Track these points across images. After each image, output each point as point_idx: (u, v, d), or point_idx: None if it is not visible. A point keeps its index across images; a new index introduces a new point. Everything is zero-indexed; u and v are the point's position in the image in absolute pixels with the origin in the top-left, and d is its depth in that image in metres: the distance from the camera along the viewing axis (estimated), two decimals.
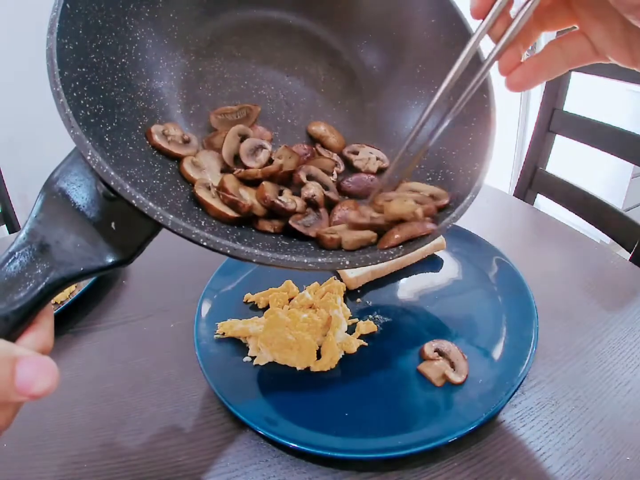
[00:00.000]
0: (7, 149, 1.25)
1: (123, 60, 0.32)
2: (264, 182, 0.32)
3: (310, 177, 0.35)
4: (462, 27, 0.36)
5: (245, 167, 0.33)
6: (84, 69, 0.28)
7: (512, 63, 0.30)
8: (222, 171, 0.34)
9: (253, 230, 0.32)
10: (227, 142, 0.34)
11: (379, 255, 0.28)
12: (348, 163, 0.39)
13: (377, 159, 0.39)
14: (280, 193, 0.33)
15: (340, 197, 0.37)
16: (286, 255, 0.26)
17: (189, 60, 0.37)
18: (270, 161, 0.35)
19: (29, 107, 1.25)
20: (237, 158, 0.34)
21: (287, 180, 0.35)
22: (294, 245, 0.31)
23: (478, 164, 0.34)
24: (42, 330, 0.25)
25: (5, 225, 1.02)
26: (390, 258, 0.29)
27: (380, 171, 0.39)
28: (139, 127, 0.32)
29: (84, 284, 0.60)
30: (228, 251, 0.25)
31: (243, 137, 0.35)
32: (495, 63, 0.30)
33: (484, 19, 0.28)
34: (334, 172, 0.38)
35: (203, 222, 0.28)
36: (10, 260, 0.25)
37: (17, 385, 0.20)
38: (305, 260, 0.26)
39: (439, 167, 0.37)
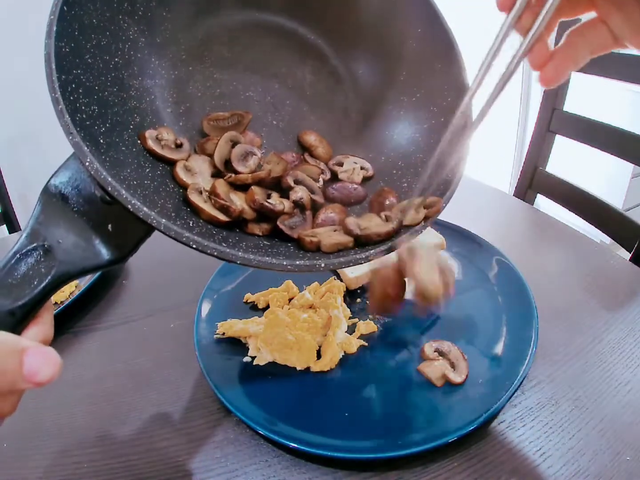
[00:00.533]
0: (7, 149, 1.25)
1: (116, 59, 0.32)
2: (253, 187, 0.33)
3: (297, 182, 0.36)
4: (447, 39, 0.37)
5: (236, 172, 0.34)
6: (79, 71, 0.28)
7: (543, 56, 0.29)
8: (213, 175, 0.35)
9: (237, 230, 0.33)
10: (219, 148, 0.35)
11: (352, 259, 0.31)
12: (334, 174, 0.40)
13: (362, 168, 0.40)
14: (269, 197, 0.34)
15: (325, 202, 0.38)
16: (267, 258, 0.28)
17: (180, 59, 0.37)
18: (259, 167, 0.36)
19: (29, 107, 1.25)
20: (227, 163, 0.35)
21: (275, 185, 0.36)
22: (274, 246, 0.32)
23: (451, 174, 0.35)
24: (43, 324, 0.27)
25: (5, 225, 1.02)
26: (362, 262, 0.31)
27: (365, 180, 0.40)
28: (131, 126, 0.32)
29: (84, 284, 0.60)
30: (215, 253, 0.27)
31: (234, 143, 0.36)
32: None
33: (509, 11, 0.27)
34: (320, 179, 0.39)
35: (192, 223, 0.29)
36: (14, 260, 0.26)
37: (24, 373, 0.22)
38: (285, 263, 0.29)
39: (415, 175, 0.38)
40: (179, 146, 0.34)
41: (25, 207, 1.18)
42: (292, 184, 0.35)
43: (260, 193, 0.33)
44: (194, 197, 0.31)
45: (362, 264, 0.31)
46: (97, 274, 0.61)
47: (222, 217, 0.31)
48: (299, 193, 0.35)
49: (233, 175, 0.34)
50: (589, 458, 0.37)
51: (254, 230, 0.32)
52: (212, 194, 0.32)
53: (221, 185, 0.32)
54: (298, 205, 0.34)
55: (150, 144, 0.32)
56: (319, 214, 0.35)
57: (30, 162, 1.30)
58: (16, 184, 1.07)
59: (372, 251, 0.32)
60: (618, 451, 0.37)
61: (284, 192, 0.36)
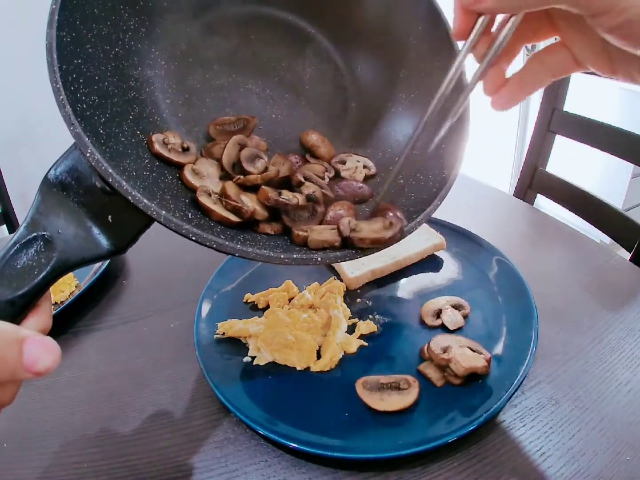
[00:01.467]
0: (7, 149, 1.25)
1: (117, 49, 0.32)
2: (263, 186, 0.33)
3: (306, 179, 0.36)
4: (447, 36, 0.37)
5: (244, 174, 0.35)
6: (79, 60, 0.28)
7: (498, 82, 0.30)
8: (221, 178, 0.35)
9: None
10: (227, 150, 0.35)
11: (348, 254, 0.31)
12: (336, 172, 0.40)
13: (364, 167, 0.40)
14: (279, 195, 0.34)
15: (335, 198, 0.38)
16: (265, 251, 0.28)
17: (180, 50, 0.37)
18: (266, 169, 0.36)
19: (29, 107, 1.25)
20: (234, 166, 0.36)
21: (282, 185, 0.36)
22: (272, 239, 0.32)
23: (447, 172, 0.35)
24: (42, 313, 0.27)
25: (5, 225, 1.02)
26: (358, 256, 0.31)
27: (367, 178, 0.40)
28: (130, 117, 0.33)
29: (84, 284, 0.60)
30: (214, 246, 0.27)
31: (242, 147, 0.36)
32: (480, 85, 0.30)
33: (466, 40, 0.28)
34: (325, 177, 0.39)
35: (190, 215, 0.30)
36: (14, 250, 0.27)
37: (24, 363, 0.22)
38: (282, 256, 0.29)
39: (411, 171, 0.39)
40: (185, 150, 0.34)
41: (25, 207, 1.17)
42: (302, 180, 0.36)
43: (272, 191, 0.33)
44: (204, 199, 0.31)
45: (357, 258, 0.32)
46: (97, 274, 0.61)
47: (233, 218, 0.31)
48: (311, 188, 0.35)
49: (242, 176, 0.34)
50: (589, 458, 0.37)
51: (265, 230, 0.33)
52: (223, 195, 0.32)
53: (231, 187, 0.33)
54: (311, 199, 0.35)
55: (157, 147, 0.32)
56: (328, 210, 0.36)
57: (30, 162, 1.30)
58: (16, 184, 1.07)
59: (368, 247, 0.32)
60: (618, 451, 0.37)
61: (293, 191, 0.36)
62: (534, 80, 0.30)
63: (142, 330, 0.55)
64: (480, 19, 0.27)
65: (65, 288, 0.60)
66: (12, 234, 0.27)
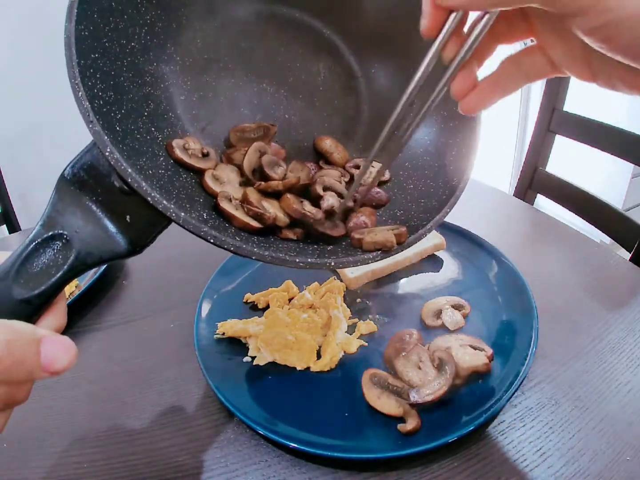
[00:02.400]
0: (7, 149, 1.25)
1: (133, 44, 0.32)
2: (287, 195, 0.34)
3: (325, 189, 0.37)
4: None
5: (265, 180, 0.35)
6: (96, 55, 0.28)
7: (467, 85, 0.28)
8: (241, 184, 0.35)
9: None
10: (248, 156, 0.35)
11: (360, 259, 0.31)
12: (351, 177, 0.40)
13: (378, 172, 0.40)
14: (302, 203, 0.35)
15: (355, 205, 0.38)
16: (281, 254, 0.28)
17: (196, 47, 0.37)
18: (284, 176, 0.36)
19: (29, 107, 1.25)
20: (254, 172, 0.36)
21: (303, 191, 0.36)
22: (283, 242, 0.32)
23: (457, 179, 0.35)
24: (57, 312, 0.28)
25: (5, 225, 1.02)
26: (369, 262, 0.32)
27: (381, 184, 0.40)
28: (145, 113, 0.32)
29: (84, 284, 0.60)
30: (231, 248, 0.27)
31: (262, 154, 0.36)
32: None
33: (436, 38, 0.26)
34: (342, 181, 0.39)
35: (205, 215, 0.29)
36: (30, 248, 0.26)
37: (42, 363, 0.22)
38: (297, 260, 0.29)
39: (421, 177, 0.39)
40: (205, 155, 0.34)
41: (25, 207, 1.18)
42: (321, 192, 0.36)
43: (296, 201, 0.34)
44: (225, 205, 0.31)
45: (369, 263, 0.32)
46: (97, 274, 0.61)
47: (255, 224, 0.31)
48: (330, 200, 0.35)
49: (263, 183, 0.34)
50: (589, 458, 0.37)
51: (288, 236, 0.33)
52: (245, 201, 0.32)
53: (253, 193, 0.33)
54: (330, 213, 0.35)
55: (178, 153, 0.32)
56: (351, 218, 0.36)
57: (30, 162, 1.30)
58: (16, 184, 1.07)
59: (378, 252, 0.32)
60: (618, 451, 0.37)
61: (313, 198, 0.36)
62: (507, 84, 0.28)
63: (142, 330, 0.55)
64: (452, 16, 0.25)
65: (66, 288, 0.60)
66: (29, 232, 0.27)
